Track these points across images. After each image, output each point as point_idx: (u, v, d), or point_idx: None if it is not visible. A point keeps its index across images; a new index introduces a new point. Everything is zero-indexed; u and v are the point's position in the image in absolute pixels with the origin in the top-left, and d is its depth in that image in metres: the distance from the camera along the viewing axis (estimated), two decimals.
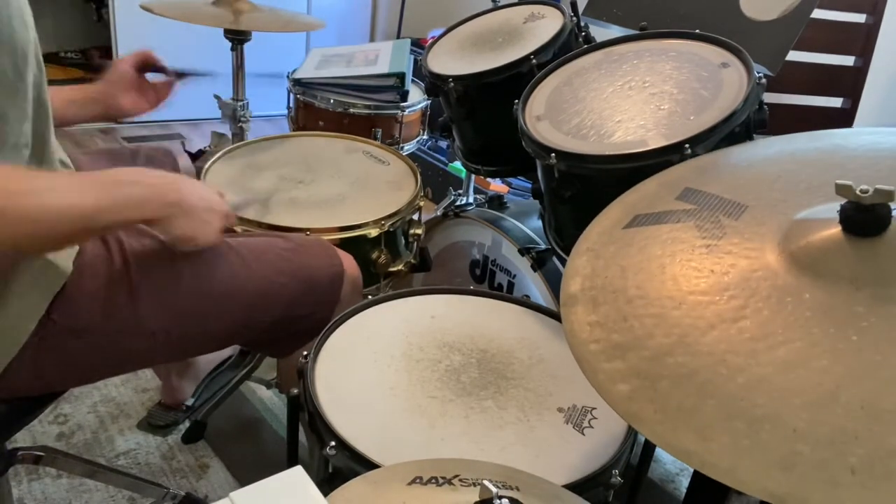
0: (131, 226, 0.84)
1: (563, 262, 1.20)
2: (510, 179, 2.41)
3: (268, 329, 0.98)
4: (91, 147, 2.73)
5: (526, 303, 1.03)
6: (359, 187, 1.31)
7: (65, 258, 0.81)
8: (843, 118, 1.85)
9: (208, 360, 1.44)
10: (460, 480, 0.62)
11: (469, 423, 0.79)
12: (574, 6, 1.34)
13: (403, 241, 1.32)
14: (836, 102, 1.86)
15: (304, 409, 0.80)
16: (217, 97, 1.77)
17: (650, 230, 0.65)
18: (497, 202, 1.52)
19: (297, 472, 0.47)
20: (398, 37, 3.50)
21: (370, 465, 0.71)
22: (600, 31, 1.35)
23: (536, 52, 1.24)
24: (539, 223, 1.34)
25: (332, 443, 0.72)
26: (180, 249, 0.87)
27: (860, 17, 1.81)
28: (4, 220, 0.67)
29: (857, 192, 0.51)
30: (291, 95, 1.79)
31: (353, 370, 0.86)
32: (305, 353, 0.85)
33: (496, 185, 2.30)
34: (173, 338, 0.90)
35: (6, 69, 0.71)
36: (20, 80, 0.74)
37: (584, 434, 0.80)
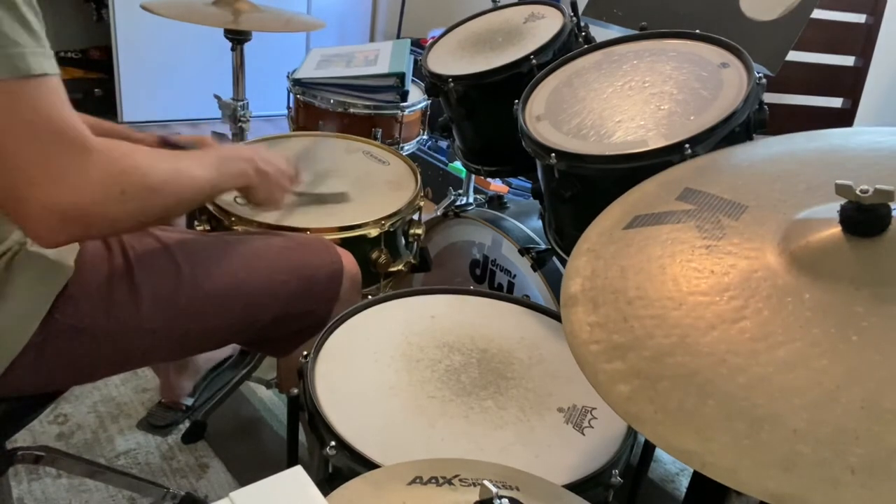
0: (230, 191, 1.01)
1: (563, 262, 1.20)
2: (510, 179, 2.41)
3: (268, 327, 0.99)
4: None
5: (526, 303, 1.03)
6: (359, 187, 1.31)
7: (67, 257, 0.82)
8: (843, 118, 1.85)
9: (207, 358, 1.44)
10: (460, 480, 0.62)
11: (469, 423, 0.79)
12: (574, 6, 1.34)
13: (403, 241, 1.32)
14: (836, 102, 1.86)
15: (304, 409, 0.80)
16: (217, 97, 1.77)
17: (650, 230, 0.65)
18: (497, 202, 1.52)
19: (297, 472, 0.47)
20: (398, 37, 3.50)
21: (370, 465, 0.71)
22: (600, 31, 1.35)
23: (536, 52, 1.24)
24: (539, 223, 1.34)
25: (332, 443, 0.73)
26: (262, 210, 1.09)
27: (860, 17, 1.81)
28: (168, 191, 0.78)
29: (857, 192, 0.51)
30: (291, 95, 1.79)
31: (353, 370, 0.86)
32: (305, 353, 0.85)
33: (496, 185, 2.30)
34: (174, 336, 0.90)
35: None
36: None
37: (584, 434, 0.80)
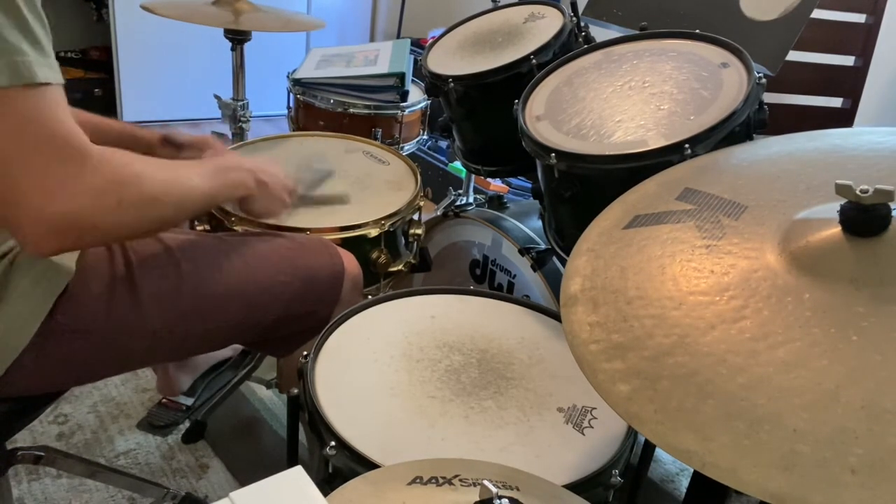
0: (227, 202, 1.02)
1: (563, 262, 1.20)
2: (510, 179, 2.41)
3: (269, 327, 0.99)
4: None
5: (526, 303, 1.03)
6: (359, 187, 1.31)
7: (68, 259, 0.82)
8: (843, 118, 1.85)
9: (207, 355, 1.44)
10: (460, 480, 0.62)
11: (469, 423, 0.79)
12: (574, 6, 1.34)
13: (403, 241, 1.31)
14: (836, 102, 1.86)
15: (304, 409, 0.80)
16: (217, 97, 1.77)
17: (650, 230, 0.66)
18: (497, 202, 1.52)
19: (297, 472, 0.47)
20: (398, 37, 3.50)
21: (370, 465, 0.71)
22: (600, 31, 1.35)
23: (536, 52, 1.24)
24: (539, 223, 1.34)
25: (332, 443, 0.73)
26: (262, 221, 1.09)
27: (860, 17, 1.81)
28: (166, 202, 0.78)
29: (857, 192, 0.51)
30: (291, 95, 1.79)
31: (353, 370, 0.86)
32: (305, 353, 0.85)
33: (496, 185, 2.30)
34: (175, 337, 0.90)
35: None
36: None
37: (584, 434, 0.80)
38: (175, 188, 0.80)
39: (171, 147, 1.15)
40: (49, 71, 0.66)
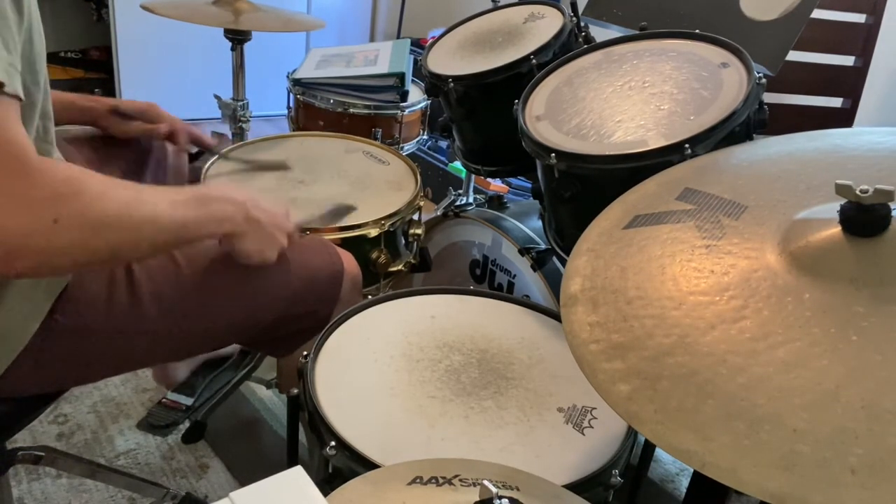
0: (209, 238, 0.87)
1: (563, 262, 1.20)
2: (510, 179, 2.41)
3: (268, 327, 0.99)
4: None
5: (526, 303, 1.03)
6: (359, 187, 1.31)
7: None
8: (843, 118, 1.85)
9: None
10: (460, 480, 0.62)
11: (469, 423, 0.79)
12: (574, 6, 1.34)
13: (403, 241, 1.31)
14: (836, 102, 1.86)
15: (304, 409, 0.80)
16: (217, 97, 1.77)
17: (650, 230, 0.66)
18: (497, 202, 1.52)
19: (297, 472, 0.47)
20: (398, 37, 3.50)
21: (370, 465, 0.71)
22: (600, 31, 1.35)
23: (536, 52, 1.24)
24: (539, 223, 1.34)
25: (332, 443, 0.73)
26: (244, 262, 0.90)
27: (860, 17, 1.81)
28: (119, 227, 0.68)
29: (857, 192, 0.51)
30: (291, 95, 1.79)
31: (353, 370, 0.86)
32: (305, 353, 0.85)
33: (496, 185, 2.30)
34: (175, 337, 0.90)
35: (26, 80, 0.70)
36: (37, 91, 0.74)
37: (584, 434, 0.80)
38: (132, 212, 0.70)
39: (118, 116, 1.13)
40: (4, 76, 0.61)
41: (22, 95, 0.64)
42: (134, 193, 0.72)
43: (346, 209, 1.24)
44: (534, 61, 1.22)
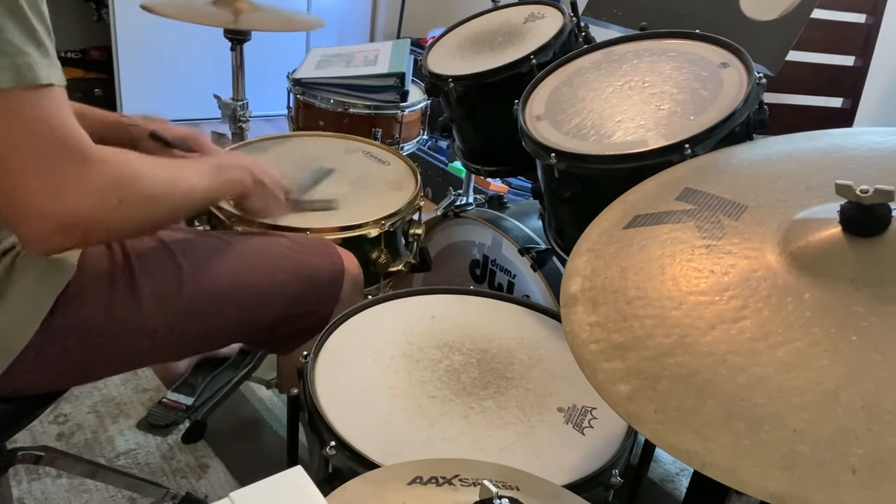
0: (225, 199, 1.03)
1: (563, 262, 1.20)
2: (510, 179, 2.41)
3: (269, 327, 0.99)
4: None
5: (526, 303, 1.03)
6: (359, 187, 1.31)
7: (69, 257, 0.82)
8: (843, 118, 1.85)
9: None
10: (460, 480, 0.62)
11: (469, 423, 0.79)
12: (574, 6, 1.34)
13: (403, 241, 1.31)
14: (836, 102, 1.86)
15: (304, 409, 0.80)
16: (217, 97, 1.77)
17: (650, 230, 0.66)
18: (497, 202, 1.52)
19: (297, 472, 0.47)
20: (398, 37, 3.50)
21: (370, 465, 0.71)
22: (600, 31, 1.35)
23: (536, 52, 1.24)
24: (539, 223, 1.34)
25: (332, 443, 0.73)
26: (258, 220, 1.10)
27: (860, 17, 1.81)
28: (166, 201, 0.79)
29: (857, 192, 0.51)
30: (291, 95, 1.79)
31: (353, 370, 0.86)
32: (305, 353, 0.85)
33: (496, 185, 2.30)
34: (175, 336, 0.90)
35: None
36: None
37: (584, 434, 0.80)
38: (175, 187, 0.81)
39: (158, 142, 1.14)
40: (52, 72, 0.67)
41: (65, 84, 0.70)
42: (174, 170, 0.83)
43: (326, 172, 1.32)
44: (534, 61, 1.22)
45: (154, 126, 1.10)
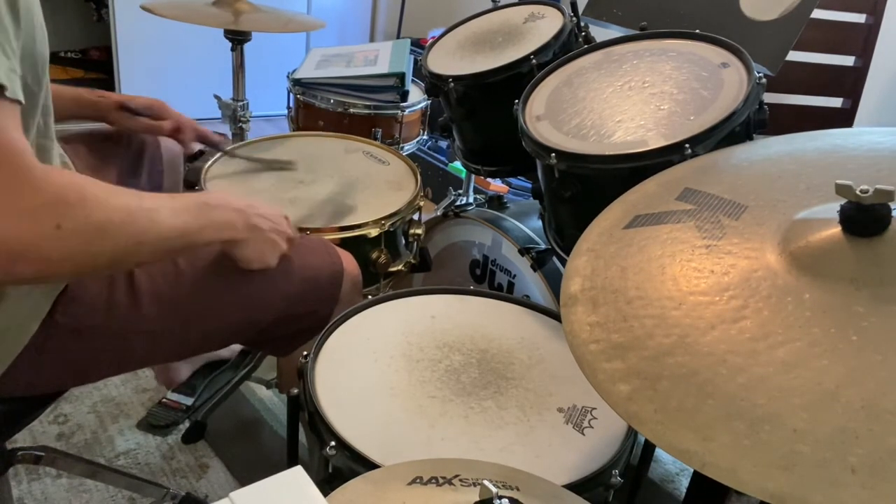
0: (208, 245, 0.87)
1: (563, 262, 1.20)
2: (510, 179, 2.41)
3: (268, 327, 0.98)
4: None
5: (526, 303, 1.03)
6: (359, 187, 1.31)
7: None
8: (843, 118, 1.85)
9: None
10: (460, 480, 0.62)
11: (469, 423, 0.79)
12: (574, 6, 1.34)
13: (403, 241, 1.31)
14: (836, 102, 1.86)
15: (304, 409, 0.80)
16: (217, 97, 1.77)
17: (650, 230, 0.66)
18: (497, 202, 1.52)
19: (297, 472, 0.47)
20: (398, 37, 3.50)
21: (370, 465, 0.71)
22: (600, 31, 1.35)
23: (536, 52, 1.24)
24: (539, 223, 1.34)
25: (332, 443, 0.73)
26: (245, 268, 0.91)
27: (860, 17, 1.81)
28: (120, 234, 0.69)
29: (857, 192, 0.51)
30: (291, 95, 1.79)
31: (353, 370, 0.86)
32: (305, 353, 0.85)
33: (496, 185, 2.30)
34: (174, 337, 0.90)
35: (27, 81, 0.70)
36: (39, 90, 0.74)
37: (584, 434, 0.80)
38: (134, 221, 0.70)
39: (126, 111, 1.14)
40: (5, 80, 0.61)
41: (22, 99, 0.64)
42: (136, 200, 0.72)
43: (347, 209, 1.24)
44: (534, 61, 1.22)
45: (122, 98, 1.09)
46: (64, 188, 0.64)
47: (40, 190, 0.62)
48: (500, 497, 0.53)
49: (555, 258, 1.31)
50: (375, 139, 1.62)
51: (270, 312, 0.97)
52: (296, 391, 0.82)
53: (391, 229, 1.22)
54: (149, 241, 0.72)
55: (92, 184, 0.68)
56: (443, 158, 2.65)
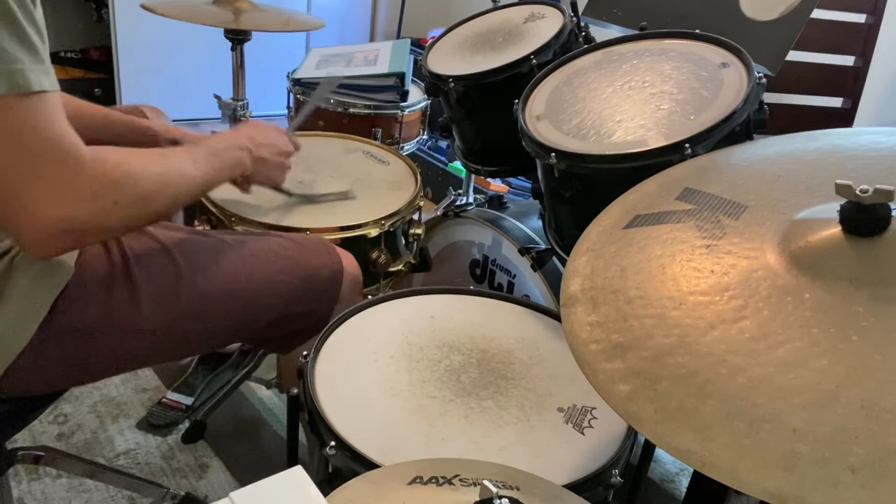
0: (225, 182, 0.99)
1: (563, 262, 1.20)
2: (510, 179, 2.41)
3: (268, 327, 0.99)
4: None
5: (526, 303, 1.03)
6: (359, 187, 1.31)
7: (67, 258, 0.82)
8: (843, 118, 1.85)
9: None
10: (460, 480, 0.62)
11: (469, 423, 0.79)
12: (574, 6, 1.34)
13: (403, 241, 1.31)
14: (836, 102, 1.86)
15: (304, 409, 0.80)
16: (217, 97, 1.77)
17: (650, 230, 0.66)
18: (497, 202, 1.52)
19: (297, 472, 0.47)
20: (398, 37, 3.50)
21: (370, 465, 0.71)
22: (600, 31, 1.35)
23: (536, 52, 1.24)
24: (539, 223, 1.34)
25: (332, 443, 0.73)
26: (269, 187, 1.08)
27: (860, 17, 1.81)
28: (161, 195, 0.79)
29: (857, 192, 0.51)
30: (291, 95, 1.79)
31: (353, 370, 0.86)
32: (305, 353, 0.85)
33: (496, 185, 2.30)
34: (174, 337, 0.90)
35: None
36: None
37: (584, 434, 0.80)
38: (170, 181, 0.80)
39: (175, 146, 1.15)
40: (45, 78, 0.67)
41: (58, 88, 0.70)
42: (166, 163, 0.81)
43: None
44: (534, 61, 1.22)
45: (177, 135, 1.13)
46: (112, 169, 0.73)
47: (96, 175, 0.71)
48: (500, 497, 0.53)
49: (555, 258, 1.31)
50: (375, 139, 1.62)
51: (270, 312, 0.97)
52: (296, 391, 0.82)
53: (391, 229, 1.22)
54: (182, 195, 0.84)
55: (130, 156, 0.76)
56: (443, 158, 2.65)
